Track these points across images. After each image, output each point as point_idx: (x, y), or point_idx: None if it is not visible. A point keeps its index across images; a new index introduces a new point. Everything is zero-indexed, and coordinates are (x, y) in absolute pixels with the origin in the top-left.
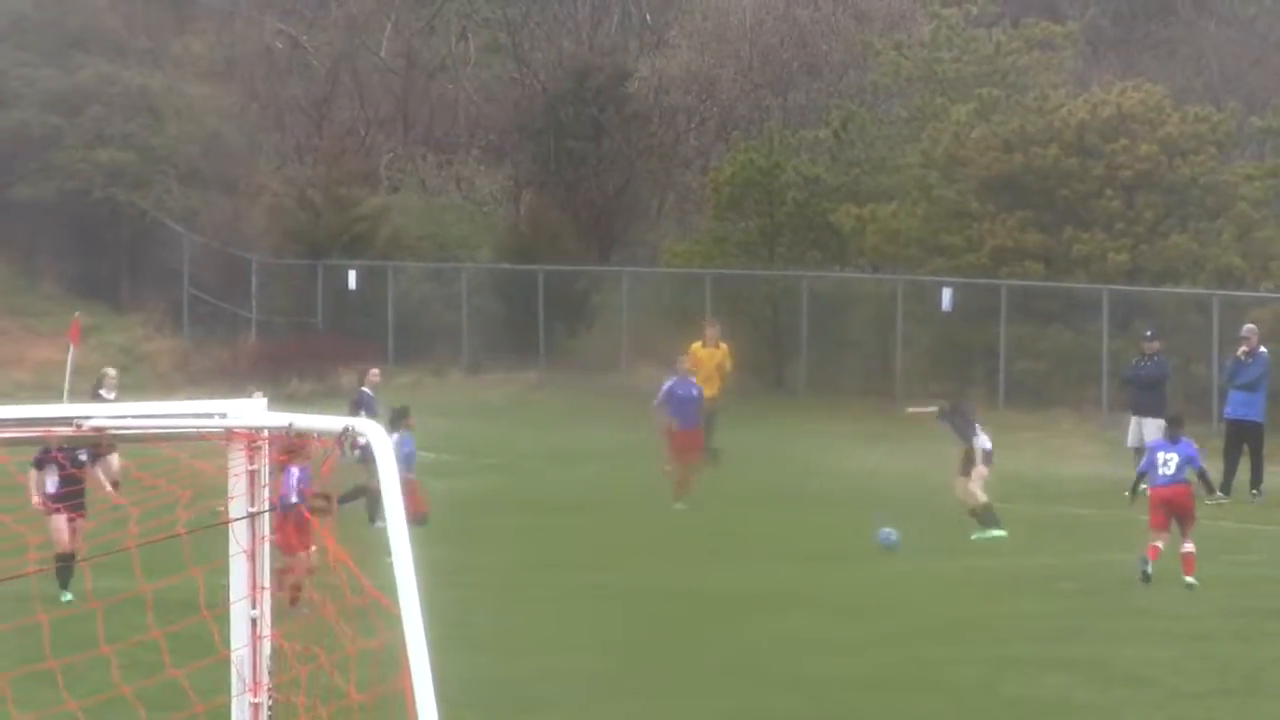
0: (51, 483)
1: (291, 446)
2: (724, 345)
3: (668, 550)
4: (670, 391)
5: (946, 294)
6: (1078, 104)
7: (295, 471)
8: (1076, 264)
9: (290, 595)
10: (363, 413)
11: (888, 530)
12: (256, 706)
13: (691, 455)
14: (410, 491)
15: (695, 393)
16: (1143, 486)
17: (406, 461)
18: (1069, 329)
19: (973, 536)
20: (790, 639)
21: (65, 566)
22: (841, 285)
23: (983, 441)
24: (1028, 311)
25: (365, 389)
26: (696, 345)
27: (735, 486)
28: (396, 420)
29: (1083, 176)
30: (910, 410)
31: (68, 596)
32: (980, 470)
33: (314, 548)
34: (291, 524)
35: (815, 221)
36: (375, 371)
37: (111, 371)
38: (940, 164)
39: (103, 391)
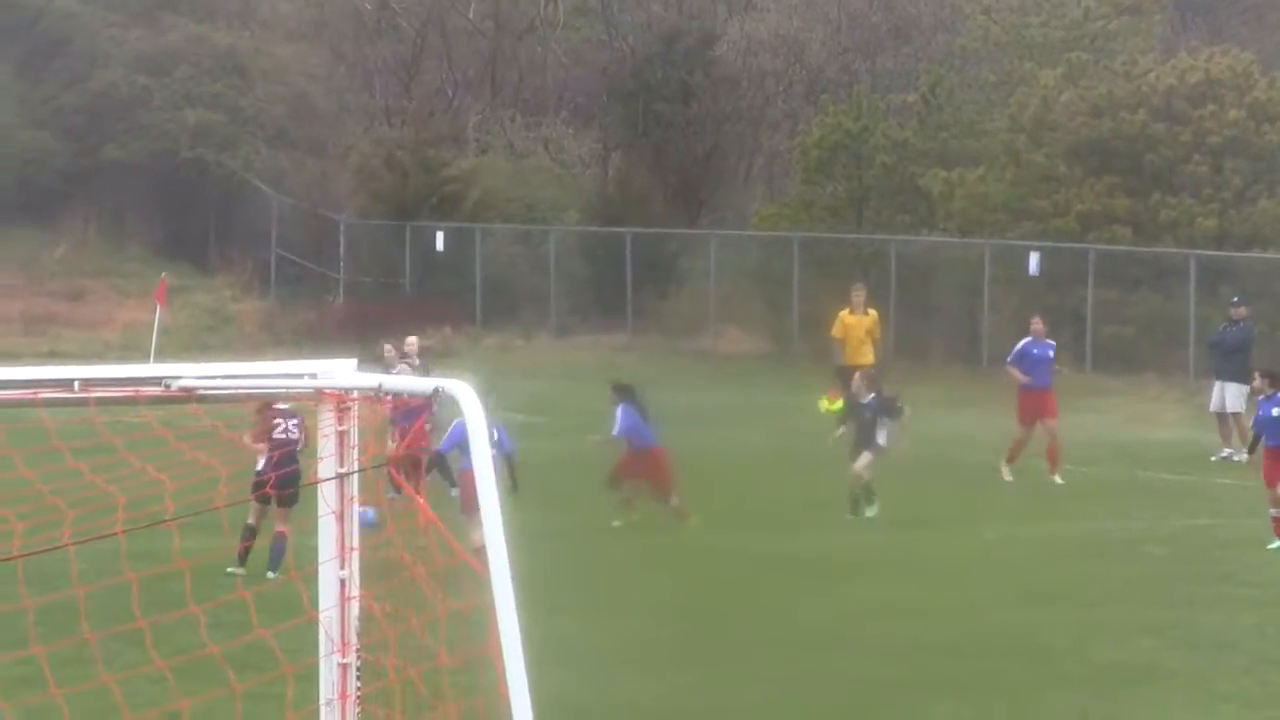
0: (263, 460)
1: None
2: (873, 311)
3: (754, 515)
4: (1024, 351)
5: (1034, 258)
6: (1165, 69)
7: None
8: (1164, 229)
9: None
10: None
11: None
12: (345, 667)
13: (1046, 417)
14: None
15: (1050, 354)
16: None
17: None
18: (1156, 294)
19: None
20: (878, 604)
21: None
22: (929, 249)
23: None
24: (1115, 276)
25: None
26: (844, 312)
27: (822, 452)
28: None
29: (1170, 142)
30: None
31: (240, 571)
32: (868, 457)
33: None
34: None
35: (903, 185)
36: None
37: (412, 340)
38: (1028, 129)
39: (403, 363)
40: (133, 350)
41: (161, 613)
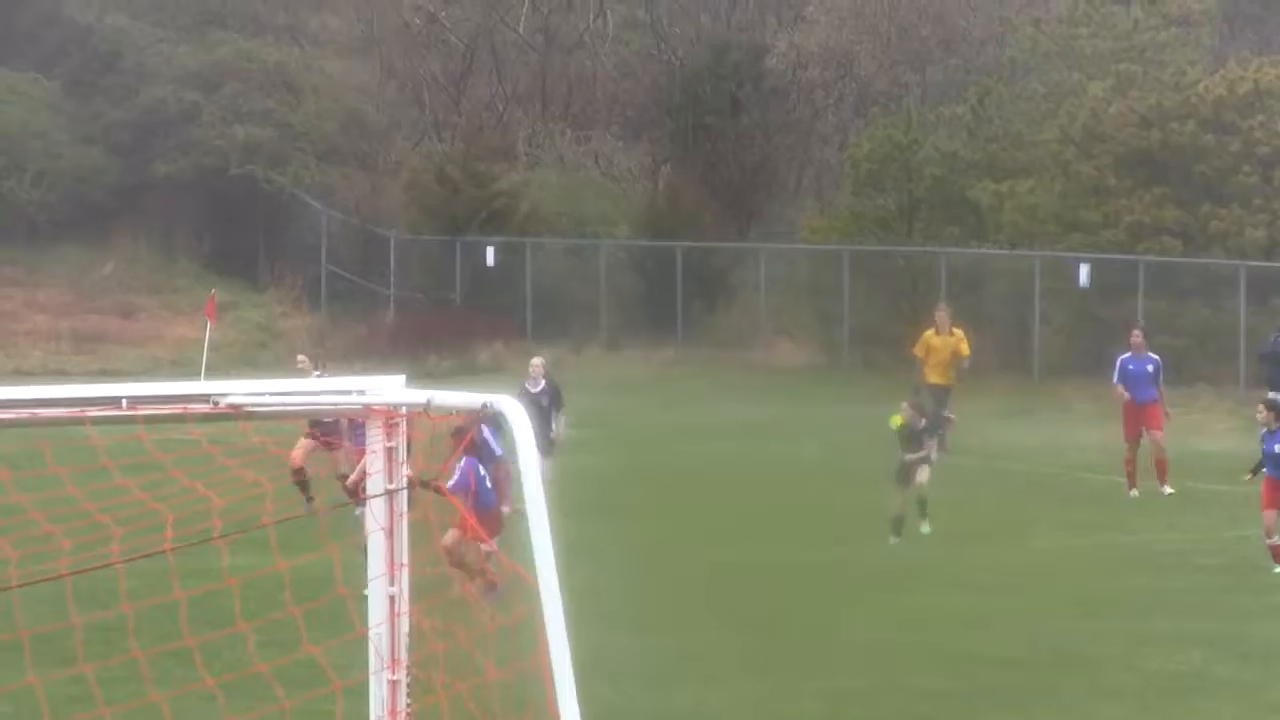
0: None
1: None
2: (959, 331)
3: (805, 527)
4: (1121, 368)
5: (1084, 270)
6: (1214, 80)
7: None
8: (1213, 240)
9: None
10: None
11: None
12: (395, 683)
13: (1151, 429)
14: None
15: (1150, 368)
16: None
17: None
18: (1206, 305)
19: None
20: (931, 615)
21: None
22: (979, 261)
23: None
24: (1165, 287)
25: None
26: (929, 333)
27: (873, 464)
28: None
29: (1220, 152)
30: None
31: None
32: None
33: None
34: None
35: (953, 197)
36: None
37: (537, 361)
38: (1077, 140)
39: (528, 385)
40: (183, 366)
41: (211, 630)
